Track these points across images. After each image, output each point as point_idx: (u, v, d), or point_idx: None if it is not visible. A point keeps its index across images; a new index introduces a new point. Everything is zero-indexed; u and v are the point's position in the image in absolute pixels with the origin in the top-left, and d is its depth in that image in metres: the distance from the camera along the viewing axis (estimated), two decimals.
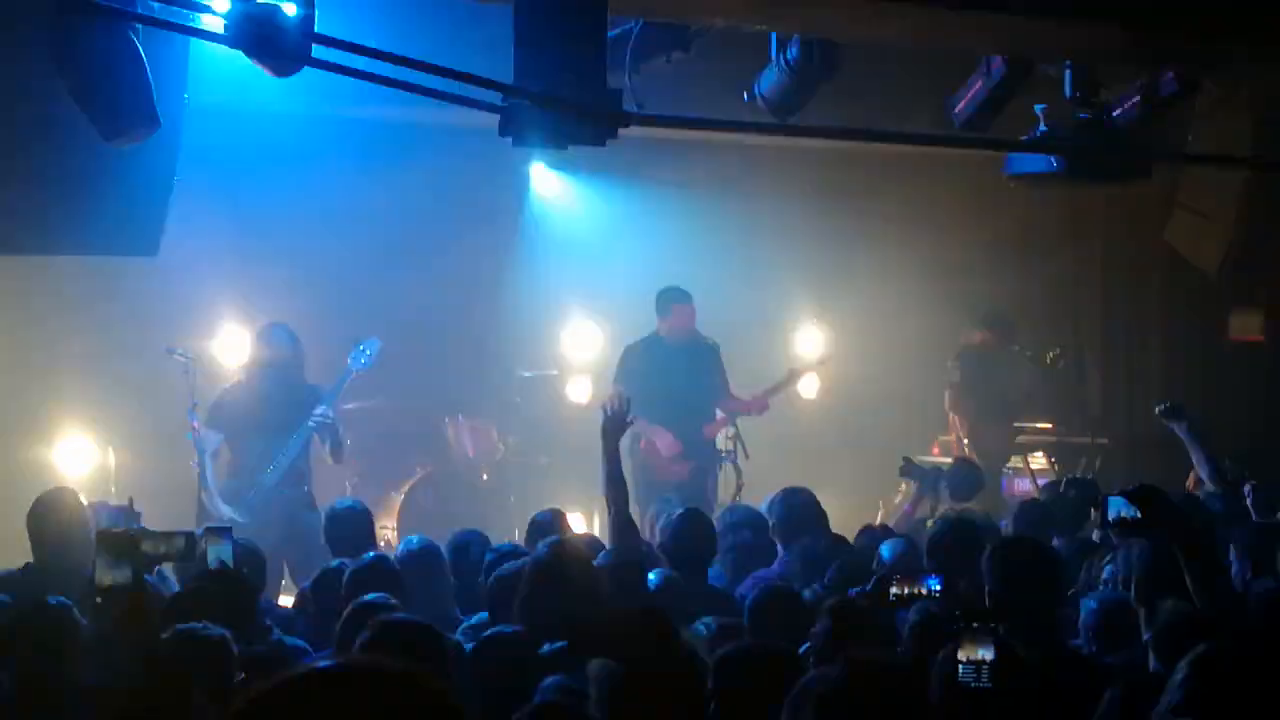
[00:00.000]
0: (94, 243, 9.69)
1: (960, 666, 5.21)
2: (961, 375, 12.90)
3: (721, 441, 11.60)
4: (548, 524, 8.20)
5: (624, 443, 11.42)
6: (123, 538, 6.46)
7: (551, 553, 6.60)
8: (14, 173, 8.87)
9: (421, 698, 2.31)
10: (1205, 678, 4.67)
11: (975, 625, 5.26)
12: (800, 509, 8.38)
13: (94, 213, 9.23)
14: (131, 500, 7.79)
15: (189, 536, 6.81)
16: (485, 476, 12.95)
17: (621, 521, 7.95)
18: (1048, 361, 13.05)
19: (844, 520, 9.14)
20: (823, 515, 8.45)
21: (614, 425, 8.29)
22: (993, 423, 12.70)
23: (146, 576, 6.23)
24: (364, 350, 10.72)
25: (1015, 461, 12.89)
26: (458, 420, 13.10)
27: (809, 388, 12.79)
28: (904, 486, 11.80)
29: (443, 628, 6.11)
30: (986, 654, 5.22)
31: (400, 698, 2.31)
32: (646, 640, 5.51)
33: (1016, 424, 13.05)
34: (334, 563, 7.45)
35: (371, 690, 2.30)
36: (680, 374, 11.40)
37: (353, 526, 8.18)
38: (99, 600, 6.06)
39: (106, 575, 6.01)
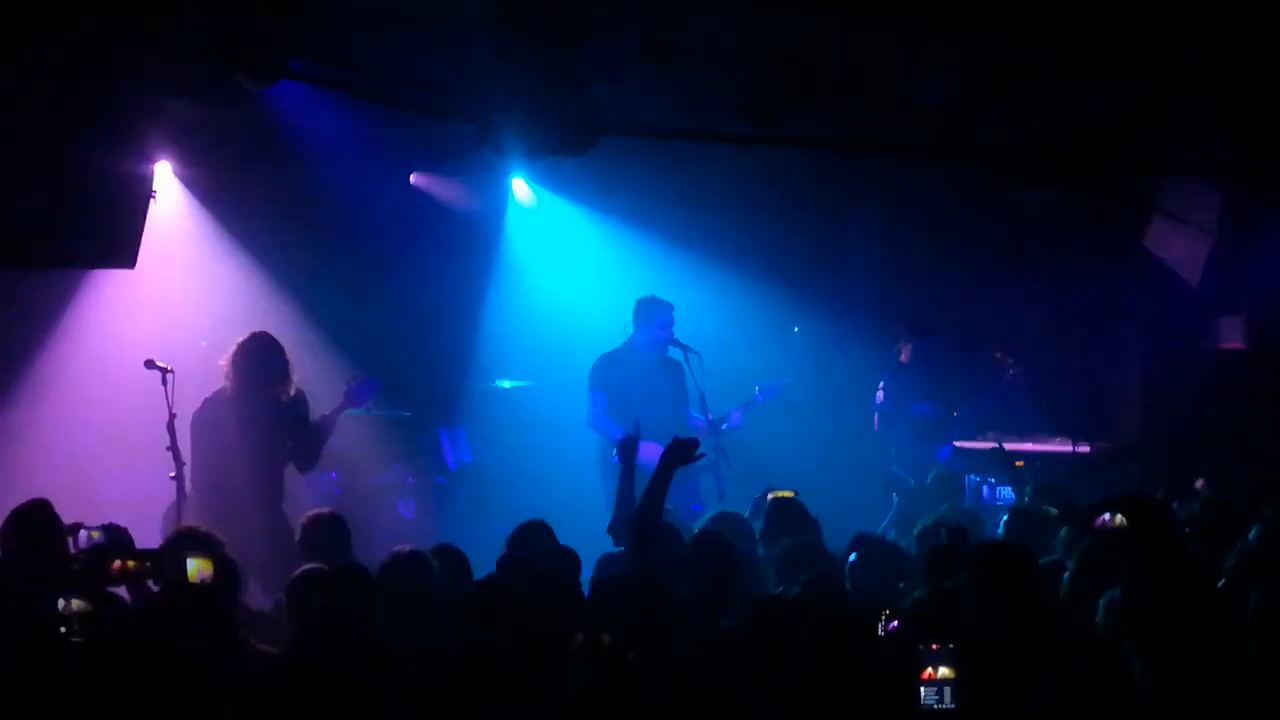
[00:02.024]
0: (72, 255, 9.69)
1: (922, 688, 5.18)
2: (888, 397, 12.74)
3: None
4: (532, 534, 8.17)
5: (594, 452, 11.52)
6: (85, 567, 6.50)
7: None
8: None
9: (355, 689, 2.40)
10: None
11: (935, 646, 5.22)
12: (781, 514, 8.38)
13: (72, 226, 9.23)
14: (101, 529, 7.74)
15: (160, 554, 6.83)
16: (463, 486, 12.93)
17: (644, 534, 7.76)
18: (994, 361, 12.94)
19: (828, 528, 9.10)
20: (805, 520, 8.42)
21: (677, 453, 8.06)
22: (926, 439, 12.51)
23: None
24: (364, 389, 10.58)
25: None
26: (437, 429, 13.09)
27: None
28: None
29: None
30: (948, 673, 5.20)
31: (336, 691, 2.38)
32: None
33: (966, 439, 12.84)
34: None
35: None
36: (657, 385, 11.37)
37: (329, 534, 8.13)
38: (61, 629, 6.02)
39: (68, 603, 5.99)
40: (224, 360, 10.18)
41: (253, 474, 9.92)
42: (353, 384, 10.41)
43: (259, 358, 10.09)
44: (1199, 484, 9.79)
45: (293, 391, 10.19)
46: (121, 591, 6.90)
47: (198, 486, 9.92)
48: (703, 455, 8.24)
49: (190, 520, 9.45)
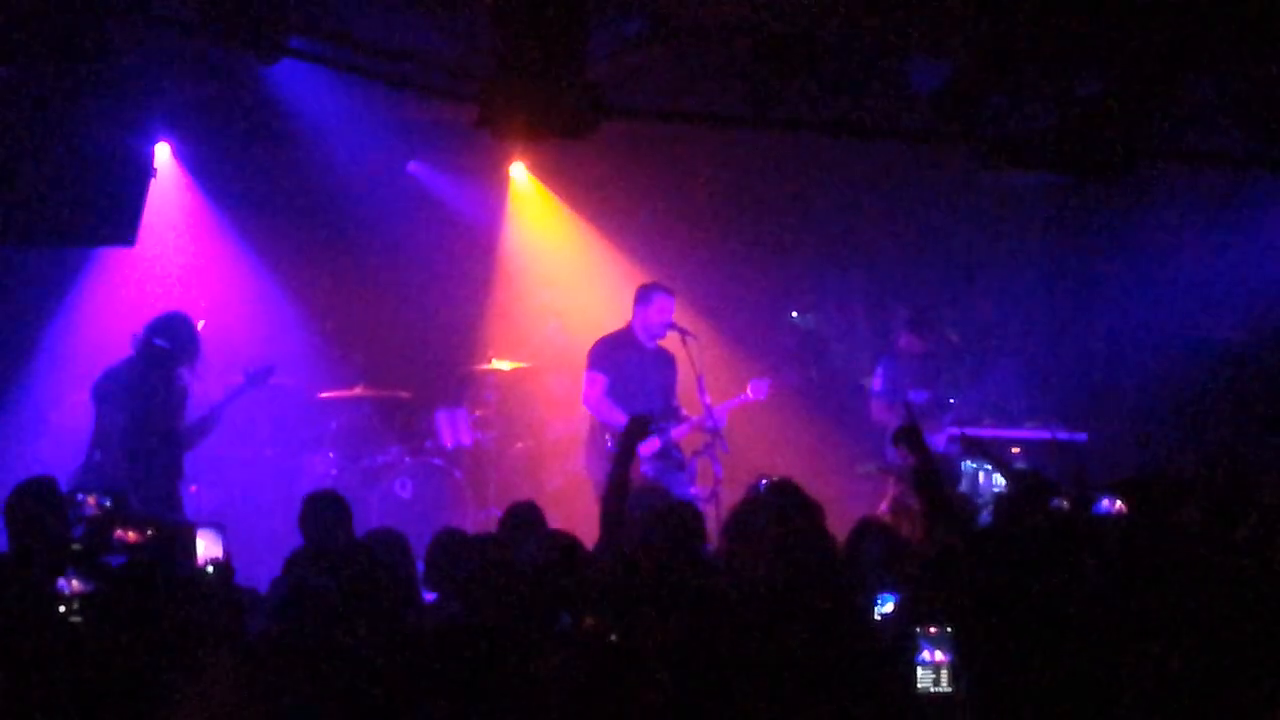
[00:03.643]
0: (72, 234, 9.70)
1: (919, 670, 5.20)
2: (885, 384, 12.69)
3: (698, 438, 11.54)
4: (524, 517, 8.16)
5: (584, 432, 11.55)
6: (87, 539, 6.51)
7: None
8: None
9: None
10: None
11: (933, 629, 5.24)
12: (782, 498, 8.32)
13: (72, 204, 9.23)
14: (100, 493, 7.76)
15: (160, 523, 6.84)
16: (461, 468, 12.95)
17: (612, 522, 7.81)
18: None
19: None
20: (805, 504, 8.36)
21: (635, 429, 8.14)
22: (926, 428, 12.42)
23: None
24: (262, 373, 10.57)
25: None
26: (435, 410, 13.12)
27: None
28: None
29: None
30: (944, 657, 5.22)
31: None
32: None
33: (959, 425, 12.78)
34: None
35: None
36: (652, 372, 11.37)
37: (327, 513, 8.12)
38: (62, 609, 6.03)
39: (69, 582, 6.01)
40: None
41: (139, 448, 9.99)
42: (252, 369, 10.47)
43: (162, 336, 10.21)
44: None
45: (188, 376, 10.29)
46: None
47: (93, 456, 10.02)
48: (658, 430, 8.38)
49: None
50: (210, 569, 6.52)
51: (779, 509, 8.09)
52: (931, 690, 5.23)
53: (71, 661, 5.74)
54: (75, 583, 6.01)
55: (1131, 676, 5.42)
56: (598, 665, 5.36)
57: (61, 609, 6.02)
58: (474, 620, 6.22)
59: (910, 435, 7.60)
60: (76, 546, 6.96)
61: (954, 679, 5.21)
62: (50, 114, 8.88)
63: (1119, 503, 7.24)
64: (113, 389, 10.19)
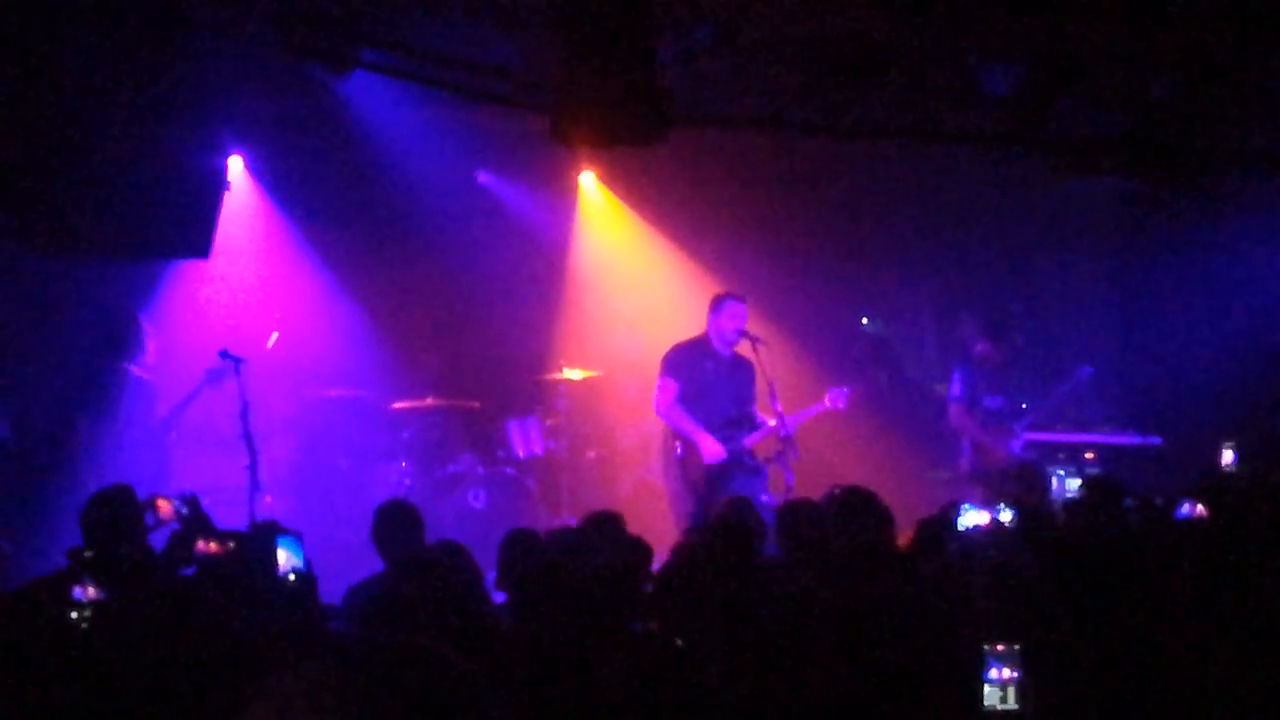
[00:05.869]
0: (149, 246, 9.81)
1: (986, 688, 5.17)
2: (963, 390, 12.63)
3: (770, 445, 11.53)
4: (605, 525, 8.12)
5: (656, 440, 11.57)
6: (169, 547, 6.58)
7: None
8: (76, 180, 8.99)
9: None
10: None
11: (1000, 646, 5.22)
12: (855, 506, 8.28)
13: (148, 218, 9.34)
14: (179, 497, 7.83)
15: (242, 536, 6.88)
16: (534, 477, 12.98)
17: None
18: None
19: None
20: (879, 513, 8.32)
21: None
22: (1002, 434, 12.41)
23: None
24: (222, 370, 10.41)
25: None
26: (507, 420, 13.17)
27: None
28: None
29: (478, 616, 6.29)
30: (1012, 674, 5.19)
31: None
32: None
33: (1038, 430, 12.70)
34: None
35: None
36: (726, 379, 11.38)
37: (399, 523, 8.15)
38: (74, 615, 6.03)
39: (87, 591, 6.02)
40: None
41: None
42: (210, 366, 10.54)
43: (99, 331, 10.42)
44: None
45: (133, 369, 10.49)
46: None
47: None
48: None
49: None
50: (292, 577, 6.54)
51: (842, 517, 8.08)
52: (999, 708, 5.20)
53: (87, 671, 5.72)
54: (90, 590, 6.00)
55: (1212, 689, 5.37)
56: (661, 669, 5.36)
57: (73, 615, 6.00)
58: (539, 625, 6.23)
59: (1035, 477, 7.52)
60: (89, 554, 6.95)
61: (1022, 696, 5.17)
62: (126, 129, 8.98)
63: (1199, 507, 7.20)
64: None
